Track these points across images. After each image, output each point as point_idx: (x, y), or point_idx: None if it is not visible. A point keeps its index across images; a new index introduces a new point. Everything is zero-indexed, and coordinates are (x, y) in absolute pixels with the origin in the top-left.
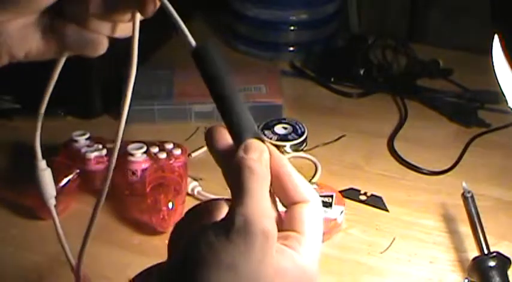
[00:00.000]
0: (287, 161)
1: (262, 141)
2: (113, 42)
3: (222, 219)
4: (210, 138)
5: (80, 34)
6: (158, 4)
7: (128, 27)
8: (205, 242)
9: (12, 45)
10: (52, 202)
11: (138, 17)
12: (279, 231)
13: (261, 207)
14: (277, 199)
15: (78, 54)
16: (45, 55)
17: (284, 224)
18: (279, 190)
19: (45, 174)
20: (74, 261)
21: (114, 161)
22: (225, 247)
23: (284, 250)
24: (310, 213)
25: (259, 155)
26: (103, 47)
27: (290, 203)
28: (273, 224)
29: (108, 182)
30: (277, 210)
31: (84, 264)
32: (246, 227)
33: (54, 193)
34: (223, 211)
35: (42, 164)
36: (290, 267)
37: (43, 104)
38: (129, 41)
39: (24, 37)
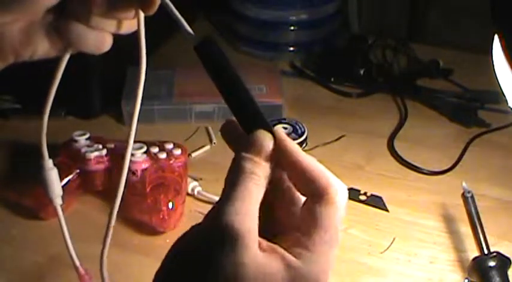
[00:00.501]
0: (302, 152)
1: (271, 132)
2: (116, 39)
3: (209, 218)
4: (225, 132)
5: (84, 32)
6: (159, 1)
7: (132, 23)
8: (189, 244)
9: (17, 46)
10: (58, 201)
11: (142, 14)
12: (290, 232)
13: (240, 206)
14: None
15: (83, 51)
16: (50, 54)
17: (298, 223)
18: (297, 182)
19: (52, 174)
20: (77, 260)
21: (127, 165)
22: (203, 249)
23: (275, 250)
24: (324, 211)
25: (255, 152)
26: (107, 44)
27: (308, 195)
28: (250, 224)
29: (122, 186)
30: (291, 209)
31: (84, 263)
32: (222, 227)
33: (60, 192)
34: None
35: (48, 163)
36: (281, 273)
37: (47, 104)
38: (130, 41)
39: (29, 37)
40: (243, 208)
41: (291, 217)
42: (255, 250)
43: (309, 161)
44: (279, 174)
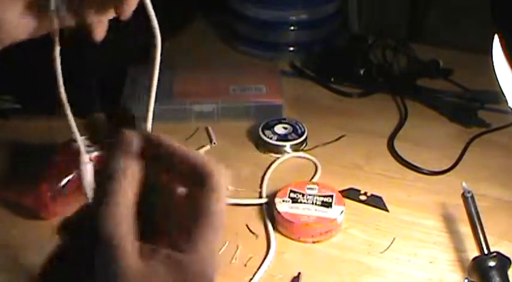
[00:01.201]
0: (177, 143)
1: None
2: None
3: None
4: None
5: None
6: None
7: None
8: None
9: (13, 30)
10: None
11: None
12: (170, 229)
13: (109, 211)
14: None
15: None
16: (43, 32)
17: (177, 218)
18: (175, 174)
19: (87, 168)
20: None
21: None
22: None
23: (156, 252)
24: (201, 201)
25: (124, 151)
26: (102, 32)
27: (188, 186)
28: (123, 229)
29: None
30: (169, 206)
31: None
32: (98, 236)
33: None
34: None
35: (85, 157)
36: (164, 269)
37: (62, 98)
38: (129, 40)
39: (23, 21)
40: (117, 212)
41: (170, 215)
42: (135, 256)
43: (186, 150)
44: (158, 173)
